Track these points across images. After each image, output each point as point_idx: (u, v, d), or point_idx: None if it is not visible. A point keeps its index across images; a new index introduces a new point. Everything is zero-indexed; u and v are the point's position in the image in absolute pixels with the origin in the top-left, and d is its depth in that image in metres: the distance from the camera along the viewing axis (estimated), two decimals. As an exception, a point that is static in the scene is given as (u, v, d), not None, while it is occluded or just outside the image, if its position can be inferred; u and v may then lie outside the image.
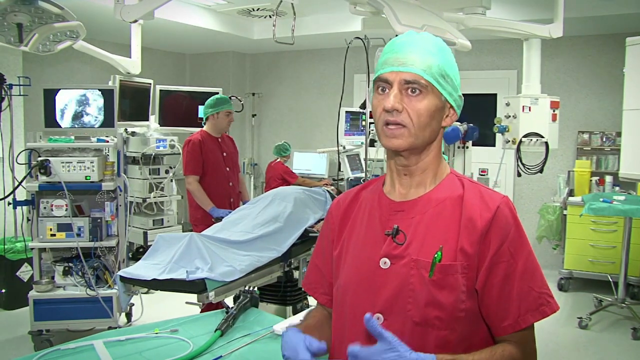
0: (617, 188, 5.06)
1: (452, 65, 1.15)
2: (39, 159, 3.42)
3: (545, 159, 3.38)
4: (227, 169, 3.93)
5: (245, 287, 2.33)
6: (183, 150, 3.86)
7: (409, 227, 1.15)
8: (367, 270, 1.16)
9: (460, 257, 1.09)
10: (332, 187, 4.72)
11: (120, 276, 2.55)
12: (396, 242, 1.14)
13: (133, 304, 4.12)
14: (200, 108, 4.97)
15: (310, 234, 3.26)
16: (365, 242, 1.20)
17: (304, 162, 6.56)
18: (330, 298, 1.31)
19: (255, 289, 2.27)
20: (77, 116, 3.64)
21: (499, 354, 1.08)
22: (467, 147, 3.65)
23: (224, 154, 3.92)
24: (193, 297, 2.57)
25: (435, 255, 1.09)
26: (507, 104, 3.46)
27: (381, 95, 1.13)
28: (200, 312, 2.87)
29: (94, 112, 3.66)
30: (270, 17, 5.46)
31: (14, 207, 3.49)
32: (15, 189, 3.35)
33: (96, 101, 3.65)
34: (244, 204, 3.74)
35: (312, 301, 3.55)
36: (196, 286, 2.45)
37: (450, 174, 1.20)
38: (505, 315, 1.09)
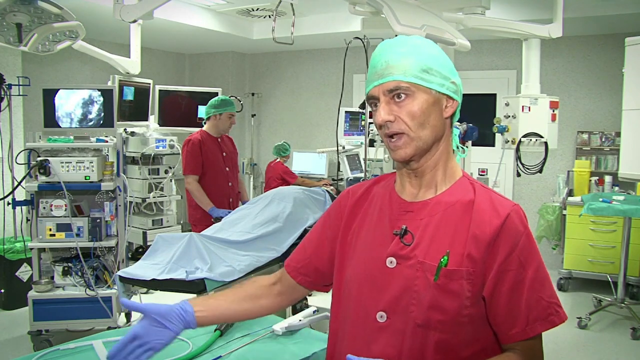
0: (616, 188, 5.07)
1: (433, 56, 1.13)
2: (38, 159, 3.41)
3: (545, 159, 3.37)
4: (227, 169, 3.93)
5: (244, 287, 2.32)
6: (183, 149, 3.86)
7: (417, 228, 1.14)
8: (373, 268, 1.16)
9: (466, 263, 1.08)
10: (332, 187, 4.72)
11: (120, 276, 2.55)
12: (404, 242, 1.14)
13: (132, 304, 4.11)
14: (200, 108, 4.97)
15: (310, 234, 3.26)
16: (374, 239, 1.19)
17: (304, 162, 6.55)
18: (309, 280, 1.32)
19: (255, 289, 2.27)
20: (83, 118, 3.64)
21: None
22: (467, 147, 3.65)
23: (224, 154, 3.92)
24: (192, 297, 2.57)
25: (442, 260, 1.08)
26: (507, 104, 3.45)
27: (375, 111, 1.14)
28: (200, 312, 2.87)
29: (94, 111, 3.66)
30: (269, 17, 5.46)
31: (14, 207, 3.48)
32: (14, 189, 3.35)
33: (96, 101, 3.65)
34: (243, 204, 3.74)
35: (311, 301, 3.55)
36: (196, 286, 2.44)
37: (462, 177, 1.19)
38: (513, 323, 1.08)
